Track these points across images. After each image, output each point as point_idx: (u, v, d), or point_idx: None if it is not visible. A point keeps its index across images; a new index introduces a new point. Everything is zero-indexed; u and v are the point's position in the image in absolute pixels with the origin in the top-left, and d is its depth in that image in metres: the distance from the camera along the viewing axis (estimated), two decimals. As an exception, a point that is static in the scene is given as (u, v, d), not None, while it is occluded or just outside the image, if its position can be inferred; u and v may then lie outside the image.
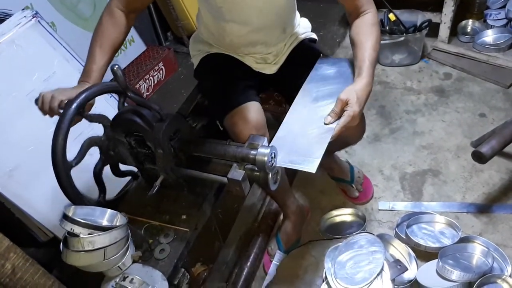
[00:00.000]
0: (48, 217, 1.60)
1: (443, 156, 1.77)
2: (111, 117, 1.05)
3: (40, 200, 1.59)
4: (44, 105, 1.02)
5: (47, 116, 1.05)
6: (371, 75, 1.04)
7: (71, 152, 0.97)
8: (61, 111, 0.95)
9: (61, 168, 0.91)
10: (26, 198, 1.56)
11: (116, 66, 0.93)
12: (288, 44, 1.36)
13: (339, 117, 1.01)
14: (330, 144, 1.46)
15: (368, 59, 1.05)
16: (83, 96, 0.93)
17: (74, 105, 0.92)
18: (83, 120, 1.02)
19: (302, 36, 1.38)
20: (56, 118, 0.99)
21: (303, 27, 1.41)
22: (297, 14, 1.39)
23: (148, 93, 2.44)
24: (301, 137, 1.02)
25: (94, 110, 1.08)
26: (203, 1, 1.22)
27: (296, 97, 1.16)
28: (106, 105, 1.75)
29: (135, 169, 1.15)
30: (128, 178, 1.27)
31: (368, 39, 1.08)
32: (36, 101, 1.06)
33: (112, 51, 1.12)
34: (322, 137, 0.99)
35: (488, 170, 1.66)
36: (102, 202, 1.06)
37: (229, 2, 1.15)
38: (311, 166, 0.93)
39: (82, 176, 1.05)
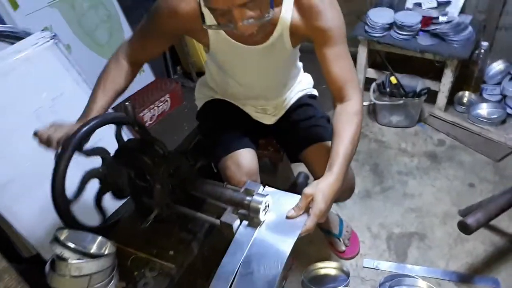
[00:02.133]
0: (34, 234, 1.59)
1: (430, 221, 1.80)
2: (107, 145, 1.08)
3: (29, 215, 1.59)
4: (42, 144, 1.04)
5: None
6: (342, 171, 0.99)
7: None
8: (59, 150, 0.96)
9: (61, 205, 0.94)
10: (15, 212, 1.56)
11: (128, 102, 0.98)
12: (288, 98, 1.42)
13: (303, 213, 0.94)
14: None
15: (342, 153, 1.00)
16: (92, 123, 0.97)
17: (81, 133, 0.95)
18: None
19: (303, 92, 1.45)
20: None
21: (305, 83, 1.48)
22: (300, 70, 1.46)
23: (151, 122, 2.49)
24: (262, 246, 0.94)
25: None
26: (209, 56, 1.29)
27: None
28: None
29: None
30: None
31: (346, 129, 1.04)
32: (35, 134, 1.06)
33: (113, 95, 1.15)
34: (286, 237, 0.92)
35: (474, 240, 1.69)
36: (102, 228, 1.07)
37: (229, 62, 1.22)
38: (274, 271, 0.88)
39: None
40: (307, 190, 0.94)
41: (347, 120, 1.06)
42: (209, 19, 1.00)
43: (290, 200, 0.98)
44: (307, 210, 0.94)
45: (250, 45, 1.12)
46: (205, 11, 0.96)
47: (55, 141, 1.00)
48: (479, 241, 1.69)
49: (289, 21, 1.08)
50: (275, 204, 0.98)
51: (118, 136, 1.08)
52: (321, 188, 0.95)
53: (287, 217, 0.94)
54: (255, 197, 0.96)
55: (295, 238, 0.91)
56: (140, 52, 1.20)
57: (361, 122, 1.08)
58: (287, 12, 1.07)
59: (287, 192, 1.01)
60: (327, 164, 1.02)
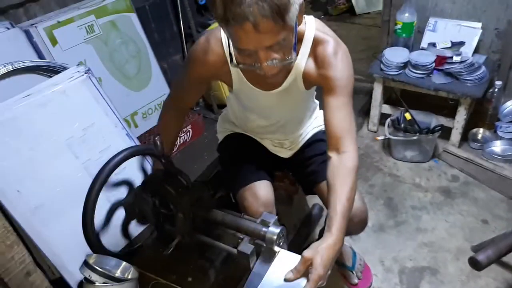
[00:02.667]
0: (60, 258, 1.67)
1: (443, 256, 1.82)
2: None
3: (56, 240, 1.66)
4: None
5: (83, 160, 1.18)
6: (341, 230, 0.99)
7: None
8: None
9: (90, 233, 1.05)
10: (44, 236, 1.64)
11: (157, 137, 1.07)
12: (304, 134, 1.50)
13: (301, 276, 0.95)
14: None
15: (340, 211, 1.00)
16: (128, 151, 1.08)
17: (118, 158, 1.06)
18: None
19: (319, 128, 1.53)
20: (86, 163, 1.10)
21: (321, 119, 1.55)
22: (317, 107, 1.54)
23: (173, 152, 2.59)
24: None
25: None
26: (232, 93, 1.40)
27: None
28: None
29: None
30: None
31: (343, 185, 1.04)
32: None
33: (174, 142, 1.41)
34: None
35: (486, 277, 1.70)
36: (126, 253, 1.16)
37: (250, 102, 1.33)
38: None
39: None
40: (307, 254, 0.94)
41: (343, 175, 1.06)
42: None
43: (292, 260, 0.98)
44: (305, 274, 0.94)
45: (266, 91, 1.23)
46: (233, 53, 1.05)
47: None
48: (492, 277, 1.70)
49: (302, 68, 1.17)
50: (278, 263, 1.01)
51: (142, 167, 1.18)
52: (321, 252, 0.94)
53: (285, 280, 0.95)
54: (271, 228, 1.03)
55: None
56: (183, 97, 1.34)
57: (357, 177, 1.09)
58: (302, 60, 1.16)
59: (289, 252, 1.03)
60: (326, 223, 1.03)
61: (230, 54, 1.08)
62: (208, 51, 1.16)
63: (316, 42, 1.13)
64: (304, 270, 0.95)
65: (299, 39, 1.12)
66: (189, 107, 1.43)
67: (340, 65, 1.12)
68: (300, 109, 1.42)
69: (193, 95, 1.37)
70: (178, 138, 2.61)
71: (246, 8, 0.84)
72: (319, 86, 1.20)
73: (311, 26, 1.14)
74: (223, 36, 1.13)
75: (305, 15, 1.10)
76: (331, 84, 1.12)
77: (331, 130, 1.12)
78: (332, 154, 1.12)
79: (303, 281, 0.94)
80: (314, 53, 1.14)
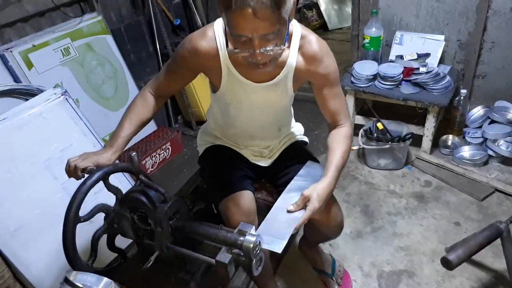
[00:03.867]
0: (41, 280, 1.66)
1: (419, 259, 1.88)
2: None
3: (36, 262, 1.66)
4: (70, 171, 1.17)
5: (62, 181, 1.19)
6: (334, 177, 1.22)
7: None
8: (85, 175, 1.13)
9: (72, 218, 1.04)
10: (23, 259, 1.64)
11: (134, 154, 1.11)
12: (282, 142, 1.56)
13: (300, 209, 1.18)
14: (311, 236, 1.60)
15: (335, 164, 1.24)
16: (103, 171, 1.10)
17: (94, 177, 1.08)
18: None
19: (295, 138, 1.59)
20: (65, 184, 1.10)
21: (297, 130, 1.62)
22: (293, 119, 1.61)
23: (152, 169, 2.61)
24: (273, 221, 1.19)
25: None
26: (215, 98, 1.44)
27: (285, 189, 1.33)
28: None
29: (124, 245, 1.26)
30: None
31: (339, 147, 1.28)
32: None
33: (139, 125, 1.31)
34: (289, 223, 1.15)
35: (460, 276, 1.76)
36: (90, 266, 1.16)
37: (236, 100, 1.36)
38: (278, 247, 1.09)
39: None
40: (305, 192, 1.18)
41: (340, 141, 1.30)
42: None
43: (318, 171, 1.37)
44: (304, 207, 1.18)
45: (258, 83, 1.28)
46: (228, 40, 1.11)
47: (79, 170, 1.15)
48: (466, 277, 1.76)
49: (294, 64, 1.25)
50: (308, 173, 1.39)
51: (108, 186, 1.19)
52: (317, 191, 1.18)
53: (288, 211, 1.19)
54: (247, 237, 1.07)
55: (296, 224, 1.15)
56: (166, 86, 1.35)
57: (351, 144, 1.33)
58: (293, 57, 1.24)
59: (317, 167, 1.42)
60: (323, 172, 1.25)
61: (226, 41, 1.11)
62: (203, 40, 1.22)
63: (303, 39, 1.23)
64: (303, 205, 1.19)
65: (289, 37, 1.20)
66: (166, 95, 1.40)
67: (327, 60, 1.25)
68: (281, 113, 1.47)
69: (178, 83, 1.38)
70: (158, 155, 2.63)
71: None
72: (310, 82, 1.31)
73: (296, 26, 1.24)
74: (217, 31, 1.20)
75: None
76: (323, 79, 1.27)
77: (329, 114, 1.34)
78: (331, 130, 1.36)
79: (301, 212, 1.18)
80: (302, 49, 1.24)
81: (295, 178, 1.37)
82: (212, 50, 1.22)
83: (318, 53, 1.23)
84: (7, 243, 1.62)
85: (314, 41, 1.24)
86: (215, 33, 1.21)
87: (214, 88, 1.36)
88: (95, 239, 1.20)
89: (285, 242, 1.10)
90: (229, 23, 1.03)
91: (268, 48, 1.04)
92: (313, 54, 1.23)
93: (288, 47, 1.23)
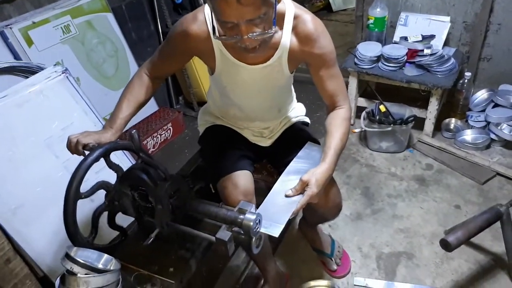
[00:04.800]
0: (42, 256, 1.68)
1: (418, 241, 1.89)
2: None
3: (38, 239, 1.67)
4: (71, 147, 1.18)
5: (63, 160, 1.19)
6: (333, 161, 1.19)
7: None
8: (86, 152, 1.14)
9: (72, 194, 1.04)
10: (25, 235, 1.65)
11: (134, 131, 1.10)
12: (283, 123, 1.55)
13: (299, 193, 1.16)
14: (309, 217, 1.60)
15: (333, 148, 1.20)
16: (104, 147, 1.10)
17: (96, 154, 1.08)
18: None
19: (296, 119, 1.58)
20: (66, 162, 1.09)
21: (298, 111, 1.61)
22: (294, 99, 1.59)
23: (153, 150, 2.61)
24: (271, 205, 1.17)
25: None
26: (212, 80, 1.42)
27: (283, 172, 1.32)
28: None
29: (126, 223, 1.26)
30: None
31: (337, 130, 1.24)
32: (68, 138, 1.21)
33: (136, 107, 1.31)
34: (287, 208, 1.14)
35: (458, 258, 1.77)
36: (90, 242, 1.17)
37: (232, 83, 1.36)
38: (275, 231, 1.08)
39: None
40: (304, 177, 1.15)
41: (338, 123, 1.26)
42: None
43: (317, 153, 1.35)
44: (302, 192, 1.16)
45: (252, 65, 1.26)
46: (216, 26, 1.10)
47: (80, 146, 1.16)
48: (464, 259, 1.77)
49: (288, 45, 1.23)
50: (307, 155, 1.36)
51: (109, 163, 1.19)
52: (315, 176, 1.15)
53: (286, 196, 1.17)
54: (247, 215, 1.07)
55: (294, 209, 1.13)
56: (160, 68, 1.35)
57: (349, 126, 1.29)
58: (287, 38, 1.22)
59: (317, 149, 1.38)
60: (322, 156, 1.21)
61: (213, 27, 1.11)
62: (194, 22, 1.21)
63: (297, 19, 1.20)
64: (302, 189, 1.16)
65: (281, 17, 1.19)
66: (161, 77, 1.40)
67: (323, 40, 1.22)
68: (279, 94, 1.45)
69: (172, 66, 1.38)
70: (159, 136, 2.62)
71: None
72: (306, 63, 1.28)
73: (290, 5, 1.21)
74: (207, 14, 1.19)
75: None
76: (318, 60, 1.24)
77: (327, 95, 1.31)
78: (330, 111, 1.32)
79: (300, 197, 1.16)
80: (296, 29, 1.21)
81: (294, 160, 1.36)
82: (203, 33, 1.21)
83: (313, 33, 1.20)
84: (9, 220, 1.62)
85: (309, 20, 1.20)
86: (206, 16, 1.20)
87: (211, 70, 1.35)
88: (96, 216, 1.21)
89: (282, 226, 1.09)
90: (214, 10, 1.02)
91: (255, 34, 1.03)
92: (308, 34, 1.20)
93: (281, 27, 1.20)
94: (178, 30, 1.24)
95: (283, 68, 1.29)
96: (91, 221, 1.20)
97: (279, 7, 1.13)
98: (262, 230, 1.08)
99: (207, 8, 1.19)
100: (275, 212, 1.14)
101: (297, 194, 1.17)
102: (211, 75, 1.38)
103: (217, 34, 1.10)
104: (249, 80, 1.32)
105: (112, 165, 1.16)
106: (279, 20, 1.17)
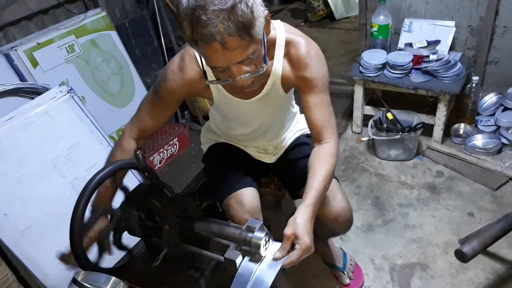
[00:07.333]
0: (50, 279, 1.67)
1: (432, 251, 1.84)
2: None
3: (46, 261, 1.66)
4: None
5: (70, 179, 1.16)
6: (314, 203, 1.07)
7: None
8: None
9: (78, 217, 1.03)
10: (33, 258, 1.64)
11: (139, 151, 1.09)
12: (287, 138, 1.53)
13: (288, 252, 1.01)
14: (320, 231, 1.57)
15: (315, 189, 1.09)
16: (112, 167, 1.08)
17: (102, 174, 1.06)
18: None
19: (300, 132, 1.56)
20: (73, 182, 1.08)
21: (302, 123, 1.58)
22: (297, 112, 1.57)
23: (160, 165, 2.60)
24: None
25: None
26: (213, 108, 1.42)
27: None
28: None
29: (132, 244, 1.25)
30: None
31: (321, 168, 1.13)
32: None
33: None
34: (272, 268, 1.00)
35: (474, 268, 1.73)
36: (98, 265, 1.15)
37: (232, 113, 1.35)
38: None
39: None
40: (287, 231, 1.01)
41: (322, 160, 1.15)
42: (211, 75, 1.13)
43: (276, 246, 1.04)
44: (291, 249, 1.01)
45: (247, 99, 1.25)
46: (207, 69, 1.09)
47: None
48: (480, 269, 1.73)
49: (280, 72, 1.20)
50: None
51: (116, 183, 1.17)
52: (300, 224, 1.02)
53: (274, 259, 1.00)
54: (256, 234, 1.05)
55: (277, 269, 0.99)
56: (150, 124, 1.29)
57: (336, 163, 1.18)
58: (279, 64, 1.19)
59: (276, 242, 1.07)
60: (303, 197, 1.10)
61: (204, 71, 1.10)
62: (184, 69, 1.17)
63: (289, 44, 1.17)
64: (290, 247, 1.01)
65: (272, 45, 1.17)
66: (149, 135, 1.34)
67: (315, 64, 1.17)
68: (281, 114, 1.44)
69: (165, 116, 1.31)
70: (165, 151, 2.62)
71: (212, 29, 0.88)
72: (297, 87, 1.24)
73: (281, 30, 1.18)
74: (198, 56, 1.15)
75: (272, 20, 1.13)
76: (309, 84, 1.18)
77: (313, 125, 1.21)
78: (315, 145, 1.22)
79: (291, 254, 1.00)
80: (288, 55, 1.18)
81: None
82: (196, 75, 1.18)
83: (305, 57, 1.16)
84: (17, 242, 1.62)
85: (301, 44, 1.17)
86: (196, 54, 1.15)
87: (210, 101, 1.34)
88: (102, 237, 1.19)
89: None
90: (202, 55, 1.00)
91: (247, 75, 1.00)
92: (300, 58, 1.16)
93: (272, 56, 1.18)
94: (172, 77, 1.19)
95: (278, 92, 1.27)
96: (97, 244, 1.18)
97: (270, 34, 1.11)
98: None
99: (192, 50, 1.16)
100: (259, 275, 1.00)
101: (286, 254, 1.01)
102: (211, 105, 1.38)
103: (209, 78, 1.08)
104: (249, 111, 1.32)
105: (122, 187, 1.16)
106: (270, 48, 1.14)
